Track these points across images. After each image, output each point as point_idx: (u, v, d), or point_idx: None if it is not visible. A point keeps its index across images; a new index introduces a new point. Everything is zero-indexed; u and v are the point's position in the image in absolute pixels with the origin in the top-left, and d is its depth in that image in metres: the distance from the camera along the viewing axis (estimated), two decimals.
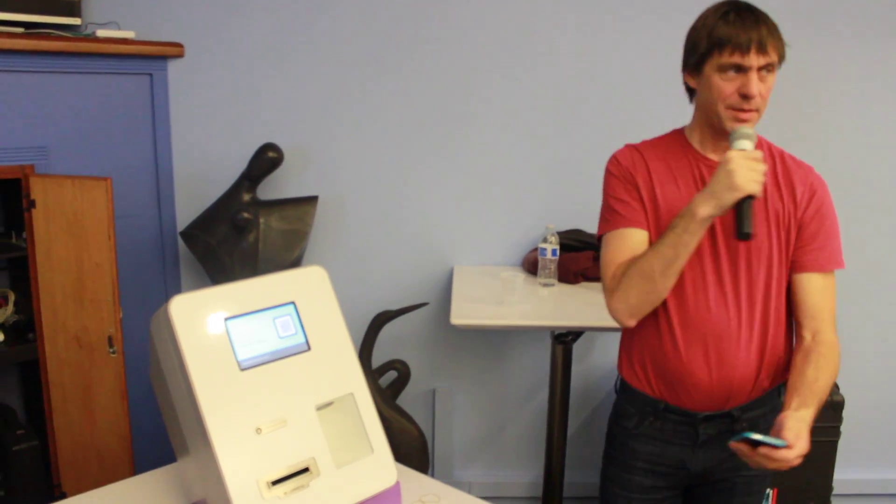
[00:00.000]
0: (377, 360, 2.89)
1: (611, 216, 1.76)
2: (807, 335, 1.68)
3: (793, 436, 1.46)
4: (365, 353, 2.79)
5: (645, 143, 1.80)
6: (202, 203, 2.90)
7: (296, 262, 2.78)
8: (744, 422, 1.73)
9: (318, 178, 3.01)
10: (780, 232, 1.70)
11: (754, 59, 1.57)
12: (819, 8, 2.92)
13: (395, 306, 2.89)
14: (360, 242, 3.08)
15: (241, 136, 2.94)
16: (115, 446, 2.53)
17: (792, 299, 1.72)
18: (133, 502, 1.77)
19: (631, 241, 1.71)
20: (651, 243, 1.70)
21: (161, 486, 1.84)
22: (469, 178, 3.01)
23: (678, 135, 1.79)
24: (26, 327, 2.71)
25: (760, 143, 1.74)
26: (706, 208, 1.56)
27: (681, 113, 1.81)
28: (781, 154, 1.77)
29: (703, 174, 1.71)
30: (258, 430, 1.49)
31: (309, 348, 1.62)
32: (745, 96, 1.59)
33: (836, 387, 2.72)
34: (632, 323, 1.70)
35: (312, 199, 2.85)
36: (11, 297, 2.82)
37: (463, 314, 2.43)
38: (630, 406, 1.83)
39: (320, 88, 2.98)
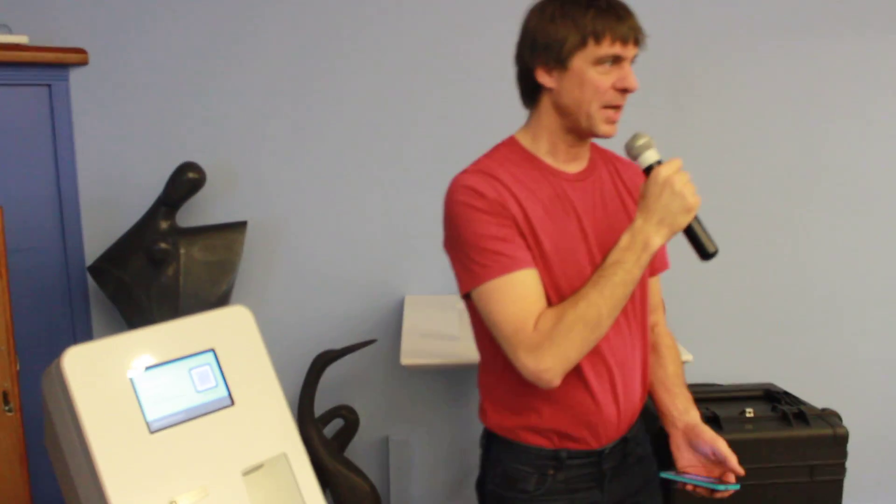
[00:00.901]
0: (321, 407, 2.83)
1: (493, 261, 1.61)
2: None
3: (720, 444, 1.66)
4: (306, 400, 2.72)
5: (489, 165, 1.68)
6: (114, 233, 2.82)
7: (223, 298, 2.70)
8: (631, 441, 1.80)
9: (247, 201, 2.95)
10: None
11: (631, 50, 1.59)
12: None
13: (338, 345, 2.83)
14: (297, 273, 3.02)
15: (156, 155, 2.87)
16: None
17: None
18: None
19: (532, 286, 1.61)
20: (545, 283, 1.63)
21: None
22: (419, 199, 2.96)
23: (516, 148, 1.72)
24: None
25: (594, 147, 1.76)
26: (660, 237, 1.54)
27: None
28: (611, 155, 1.81)
29: (564, 190, 1.66)
30: (172, 503, 1.41)
31: (232, 403, 1.56)
32: (625, 90, 1.59)
33: (838, 418, 2.70)
34: (558, 382, 1.60)
35: (240, 226, 2.79)
36: None
37: (414, 353, 2.37)
38: (524, 466, 1.76)
39: (247, 100, 2.93)
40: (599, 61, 1.58)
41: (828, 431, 2.64)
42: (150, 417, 1.46)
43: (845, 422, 2.75)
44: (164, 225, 2.69)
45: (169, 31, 2.87)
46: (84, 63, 2.83)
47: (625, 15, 1.59)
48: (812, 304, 3.15)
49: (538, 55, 1.63)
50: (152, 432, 1.45)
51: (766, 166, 3.08)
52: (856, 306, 3.17)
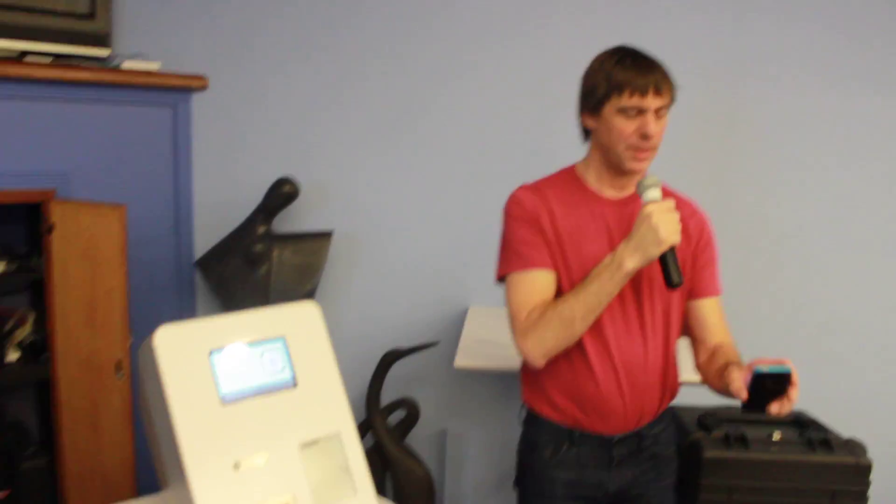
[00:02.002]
0: (386, 398, 2.88)
1: (514, 258, 1.79)
2: (710, 348, 1.84)
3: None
4: (374, 391, 2.78)
5: (543, 182, 1.85)
6: (222, 233, 2.94)
7: (308, 296, 2.78)
8: (649, 438, 1.87)
9: (334, 214, 3.04)
10: None
11: (651, 101, 1.67)
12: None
13: (406, 345, 2.87)
14: (374, 279, 3.08)
15: (261, 169, 2.97)
16: (120, 469, 2.55)
17: (691, 323, 1.88)
18: None
19: (540, 283, 1.76)
20: (560, 284, 1.77)
21: None
22: (487, 219, 2.98)
23: (571, 174, 1.86)
24: (41, 347, 2.76)
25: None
26: (633, 262, 1.65)
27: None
28: (671, 193, 1.83)
29: (602, 212, 1.78)
30: (236, 466, 1.48)
31: (296, 385, 1.61)
32: (645, 136, 1.67)
33: (863, 449, 2.62)
34: (542, 363, 1.76)
35: (327, 234, 2.87)
36: (31, 317, 2.88)
37: (467, 356, 2.41)
38: (544, 436, 1.88)
39: (341, 126, 3.03)
40: (622, 111, 1.68)
41: (850, 460, 2.55)
42: (223, 391, 1.52)
43: (875, 453, 2.67)
44: (261, 230, 2.80)
45: (277, 65, 3.01)
46: (204, 88, 2.98)
47: (648, 70, 1.68)
48: (849, 338, 3.06)
49: (583, 101, 1.78)
50: (224, 404, 1.52)
51: (806, 205, 3.01)
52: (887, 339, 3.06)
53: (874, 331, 3.05)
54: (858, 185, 3.00)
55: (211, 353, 1.53)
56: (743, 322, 2.99)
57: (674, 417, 1.97)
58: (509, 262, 1.81)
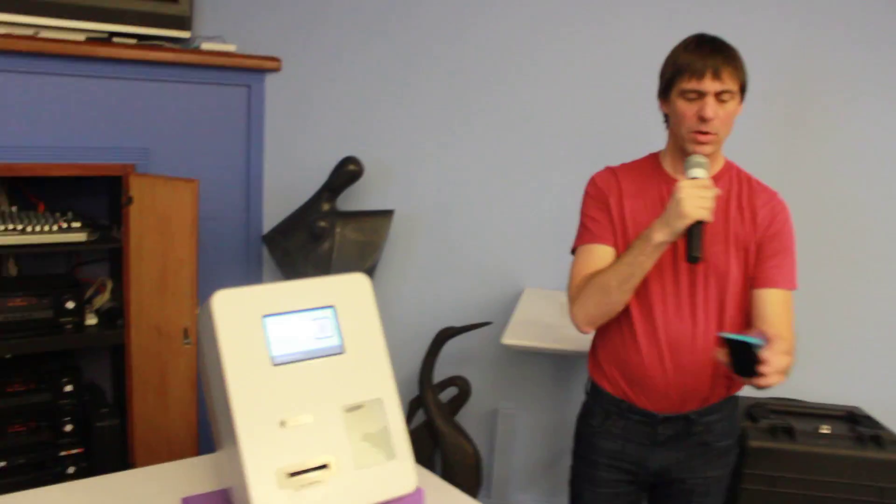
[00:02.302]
0: (439, 375, 2.95)
1: (583, 232, 1.91)
2: None
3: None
4: (427, 367, 2.85)
5: (623, 166, 1.94)
6: (289, 210, 3.04)
7: (368, 273, 2.84)
8: (700, 425, 1.87)
9: (396, 193, 3.11)
10: (739, 251, 1.81)
11: (709, 85, 1.71)
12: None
13: (460, 323, 2.94)
14: (433, 258, 3.15)
15: (329, 148, 3.05)
16: (184, 431, 2.69)
17: (752, 313, 1.83)
18: (167, 484, 1.89)
19: (597, 255, 1.85)
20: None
21: (199, 472, 1.95)
22: (546, 202, 3.04)
23: (653, 158, 1.93)
24: (118, 314, 2.91)
25: (729, 168, 1.87)
26: (660, 235, 1.69)
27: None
28: (749, 179, 1.87)
29: (666, 195, 1.80)
30: (283, 423, 1.57)
31: (343, 351, 1.69)
32: (703, 119, 1.71)
33: None
34: (588, 330, 1.86)
35: (388, 213, 2.95)
36: (109, 285, 3.04)
37: (515, 335, 2.46)
38: (596, 405, 1.97)
39: (406, 108, 3.09)
40: (683, 93, 1.74)
41: None
42: (274, 353, 1.60)
43: None
44: (325, 207, 2.90)
45: (344, 47, 3.09)
46: (278, 69, 3.08)
47: (709, 54, 1.72)
48: None
49: (659, 88, 1.84)
50: (275, 365, 1.60)
51: (878, 193, 2.95)
52: None
53: None
54: None
55: (264, 317, 1.62)
56: (802, 313, 2.98)
57: (737, 412, 1.98)
58: (579, 235, 1.93)
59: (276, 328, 1.63)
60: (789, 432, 2.58)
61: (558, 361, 3.10)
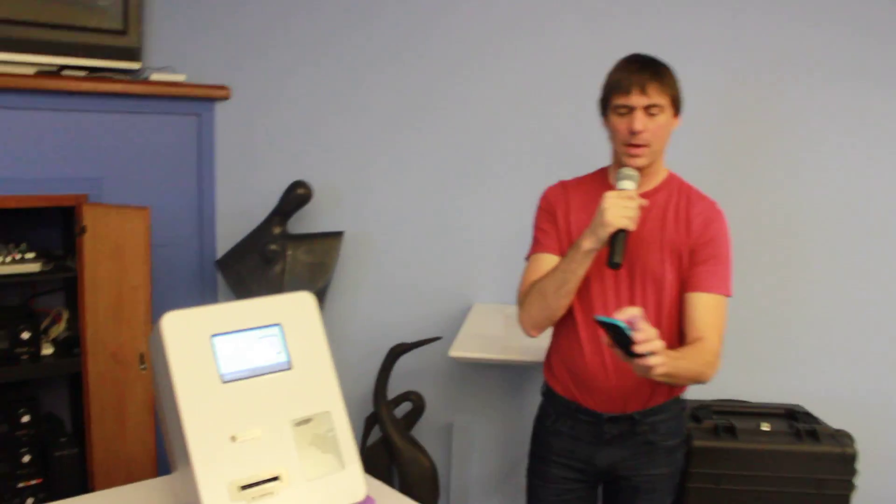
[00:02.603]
0: (393, 391, 3.00)
1: (534, 243, 2.02)
2: (689, 342, 1.84)
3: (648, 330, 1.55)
4: (381, 383, 2.90)
5: (574, 180, 2.05)
6: (242, 235, 3.08)
7: (320, 293, 2.92)
8: (645, 425, 1.96)
9: (346, 215, 3.17)
10: (673, 257, 1.90)
11: (637, 100, 1.80)
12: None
13: (412, 339, 2.98)
14: (383, 277, 3.21)
15: (278, 173, 3.11)
16: (142, 455, 2.70)
17: (683, 317, 1.90)
18: (138, 502, 1.93)
19: (543, 264, 1.95)
20: None
21: (167, 491, 1.99)
22: (492, 220, 3.12)
23: (602, 172, 2.03)
24: (74, 343, 2.93)
25: (671, 180, 1.96)
26: (588, 242, 1.80)
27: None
28: (689, 190, 1.96)
29: None
30: (233, 438, 1.62)
31: (291, 367, 1.74)
32: (632, 132, 1.81)
33: (850, 439, 2.69)
34: (534, 333, 1.97)
35: (338, 234, 3.01)
36: (65, 315, 3.06)
37: (462, 347, 2.53)
38: (549, 406, 2.08)
39: (354, 132, 3.16)
40: (615, 109, 1.85)
41: (836, 449, 2.63)
42: (223, 371, 1.65)
43: (864, 445, 2.73)
44: (276, 230, 2.95)
45: (291, 74, 3.16)
46: (227, 98, 3.14)
47: (636, 71, 1.82)
48: (846, 334, 3.11)
49: (599, 106, 1.94)
50: (224, 383, 1.65)
51: (803, 199, 3.06)
52: (886, 338, 3.10)
53: (869, 327, 3.10)
54: (863, 181, 3.05)
55: (213, 336, 1.67)
56: (742, 316, 3.07)
57: (684, 413, 2.06)
58: (531, 245, 2.04)
59: (225, 346, 1.68)
60: (731, 431, 2.68)
61: (509, 373, 3.16)
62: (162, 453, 2.71)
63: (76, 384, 3.02)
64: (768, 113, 3.04)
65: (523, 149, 3.12)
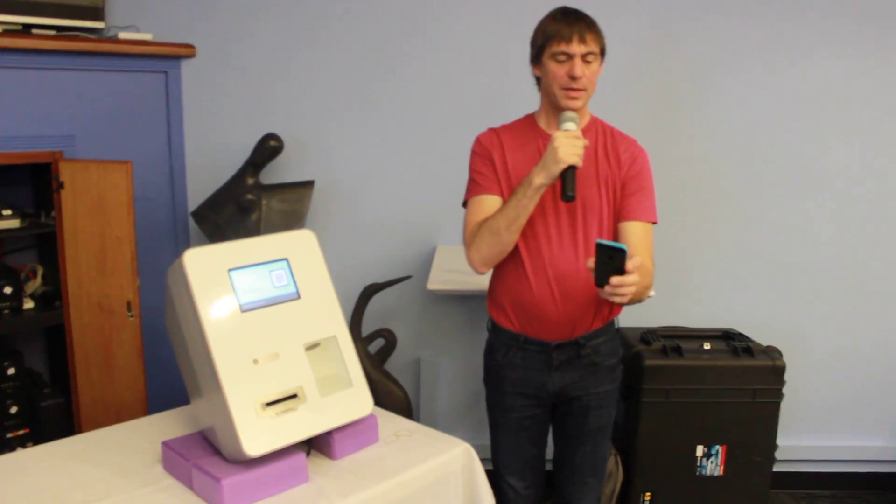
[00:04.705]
0: (367, 329, 3.13)
1: (472, 186, 2.12)
2: None
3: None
4: (355, 322, 3.03)
5: (503, 126, 2.15)
6: (212, 187, 3.15)
7: None
8: (588, 348, 2.11)
9: (315, 165, 3.26)
10: (608, 191, 2.06)
11: (576, 48, 1.94)
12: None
13: (383, 279, 3.13)
14: (352, 223, 3.32)
15: (246, 127, 3.18)
16: (132, 400, 2.79)
17: None
18: (144, 435, 2.05)
19: (486, 204, 2.06)
20: None
21: (172, 423, 2.12)
22: (453, 166, 3.22)
23: (529, 118, 2.15)
24: (54, 297, 2.99)
25: (594, 122, 2.11)
26: (539, 178, 1.92)
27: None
28: (612, 130, 2.12)
29: (543, 147, 2.01)
30: (255, 361, 1.75)
31: (299, 297, 1.88)
32: (572, 77, 1.95)
33: (779, 354, 2.98)
34: (484, 270, 2.06)
35: (309, 184, 3.10)
36: (40, 271, 3.10)
37: (438, 282, 2.70)
38: (498, 342, 2.20)
39: (318, 86, 3.24)
40: (554, 56, 1.98)
41: (768, 363, 2.91)
42: (241, 301, 1.76)
43: (790, 358, 3.02)
44: (250, 181, 3.04)
45: (258, 32, 3.20)
46: (193, 56, 3.18)
47: (574, 21, 1.96)
48: (771, 263, 3.37)
49: (531, 54, 2.06)
50: (243, 312, 1.77)
51: (727, 135, 3.28)
52: (805, 266, 3.38)
53: (789, 254, 3.37)
54: (782, 112, 3.26)
55: (230, 270, 1.80)
56: (677, 246, 3.32)
57: (618, 333, 2.23)
58: (468, 189, 2.13)
59: (241, 279, 1.81)
60: (678, 351, 2.94)
61: (472, 309, 3.33)
62: (152, 397, 2.83)
63: (54, 337, 3.07)
64: (687, 55, 3.23)
65: (482, 97, 3.23)
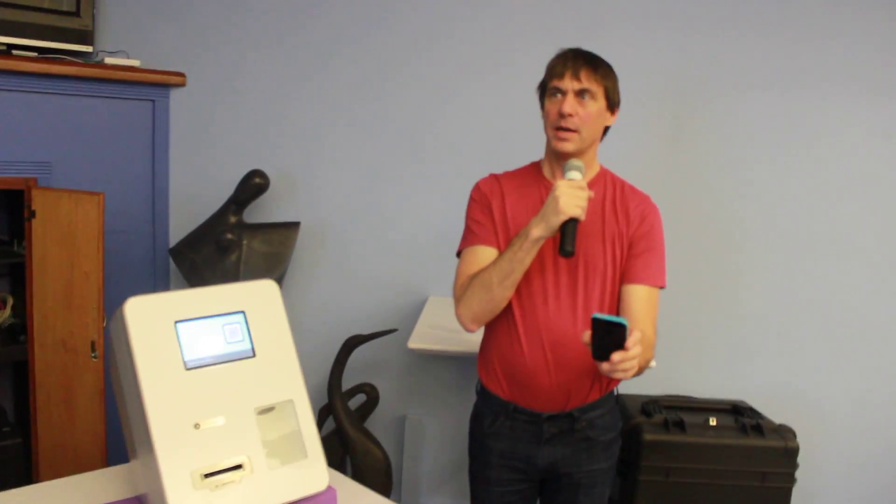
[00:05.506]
0: (348, 383, 2.99)
1: (468, 235, 1.97)
2: None
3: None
4: (335, 374, 2.88)
5: (506, 173, 2.02)
6: (195, 223, 3.03)
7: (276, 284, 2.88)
8: (583, 421, 1.93)
9: (302, 206, 3.15)
10: (615, 250, 1.89)
11: (568, 83, 1.82)
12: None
13: (367, 331, 2.98)
14: (339, 268, 3.20)
15: (235, 161, 3.08)
16: (90, 445, 2.65)
17: (619, 308, 1.90)
18: (89, 491, 1.88)
19: (480, 256, 1.91)
20: None
21: (120, 480, 1.95)
22: (449, 212, 3.11)
23: (534, 166, 2.02)
24: (20, 330, 2.85)
25: (604, 174, 1.97)
26: (538, 230, 1.76)
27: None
28: (622, 184, 1.97)
29: (546, 197, 1.84)
30: (196, 426, 1.59)
31: (254, 355, 1.72)
32: (561, 114, 1.82)
33: (792, 434, 2.78)
34: (474, 328, 1.90)
35: (295, 225, 2.99)
36: (10, 301, 2.98)
37: (421, 339, 2.53)
38: (486, 408, 2.02)
39: (310, 122, 3.14)
40: (549, 93, 1.87)
41: (780, 444, 2.72)
42: (186, 358, 1.62)
43: (804, 439, 2.82)
44: (232, 219, 2.91)
45: (250, 64, 3.12)
46: (183, 84, 3.09)
47: (572, 58, 1.85)
48: (786, 333, 3.19)
49: (539, 98, 1.94)
50: (187, 370, 1.62)
51: (747, 200, 3.14)
52: (824, 339, 3.19)
53: (809, 325, 3.20)
54: (800, 190, 3.13)
55: (177, 323, 1.65)
56: (687, 309, 3.17)
57: (618, 405, 2.05)
58: (464, 238, 1.99)
59: (189, 333, 1.65)
60: (680, 425, 2.74)
61: (462, 367, 3.18)
62: (112, 443, 2.67)
63: (21, 373, 2.94)
64: (715, 119, 3.11)
65: (480, 144, 3.13)
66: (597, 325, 1.59)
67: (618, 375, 1.60)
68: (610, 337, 1.58)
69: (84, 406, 2.64)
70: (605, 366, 1.58)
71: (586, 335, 1.60)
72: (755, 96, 3.08)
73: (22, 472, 2.82)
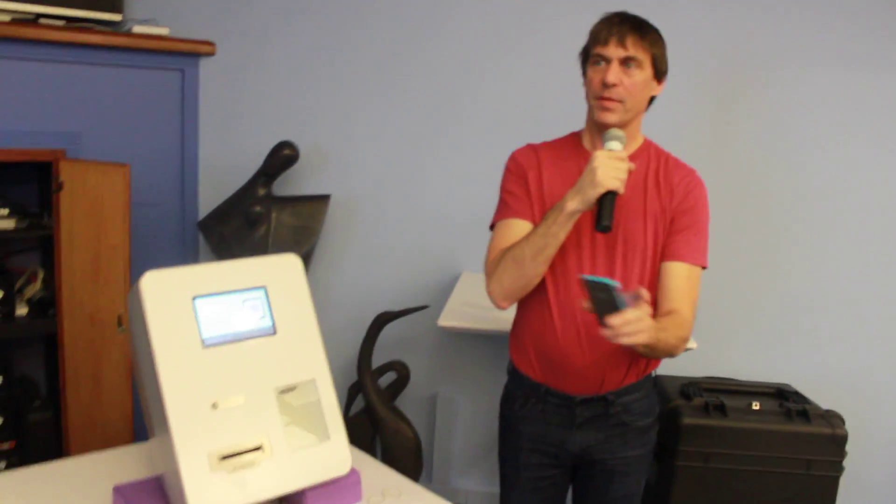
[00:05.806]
0: (378, 360, 2.94)
1: (502, 207, 1.89)
2: (663, 313, 1.74)
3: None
4: (365, 352, 2.84)
5: (543, 144, 1.91)
6: (224, 195, 3.00)
7: (305, 258, 2.85)
8: (618, 406, 1.85)
9: (334, 177, 3.09)
10: (657, 226, 1.79)
11: (613, 51, 1.71)
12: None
13: (398, 308, 2.92)
14: (370, 243, 3.15)
15: (266, 132, 3.03)
16: (119, 420, 2.64)
17: (657, 286, 1.79)
18: (118, 468, 1.86)
19: (514, 230, 1.82)
20: None
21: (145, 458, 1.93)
22: (484, 185, 3.03)
23: (574, 136, 1.91)
24: (50, 303, 2.84)
25: (647, 146, 1.86)
26: (573, 203, 1.67)
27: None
28: (667, 156, 1.86)
29: (584, 168, 1.73)
30: (214, 406, 1.54)
31: (275, 332, 1.67)
32: (605, 84, 1.71)
33: (840, 420, 2.66)
34: (505, 305, 1.83)
35: (325, 198, 2.93)
36: (40, 274, 2.97)
37: (452, 316, 2.46)
38: (517, 390, 1.95)
39: (342, 92, 3.08)
40: (592, 60, 1.76)
41: (827, 430, 2.60)
42: (204, 335, 1.57)
43: (854, 426, 2.71)
44: (261, 192, 2.86)
45: (281, 33, 3.06)
46: (212, 54, 3.04)
47: (618, 23, 1.73)
48: (836, 315, 3.08)
49: (581, 64, 1.83)
50: (205, 347, 1.57)
51: (796, 181, 3.02)
52: (877, 320, 3.07)
53: (859, 308, 3.08)
54: (856, 170, 3.01)
55: (194, 298, 1.59)
56: (731, 295, 3.06)
57: (656, 388, 1.96)
58: (498, 211, 1.90)
59: (207, 309, 1.59)
60: (721, 409, 2.64)
61: (496, 345, 3.11)
62: (139, 418, 2.65)
63: (52, 346, 2.94)
64: (771, 93, 2.98)
65: (518, 113, 3.04)
66: (588, 287, 1.51)
67: (624, 341, 1.50)
68: (605, 300, 1.50)
69: (111, 381, 2.63)
70: (606, 331, 1.50)
71: (585, 303, 1.54)
72: (816, 73, 2.94)
73: (52, 447, 2.81)
